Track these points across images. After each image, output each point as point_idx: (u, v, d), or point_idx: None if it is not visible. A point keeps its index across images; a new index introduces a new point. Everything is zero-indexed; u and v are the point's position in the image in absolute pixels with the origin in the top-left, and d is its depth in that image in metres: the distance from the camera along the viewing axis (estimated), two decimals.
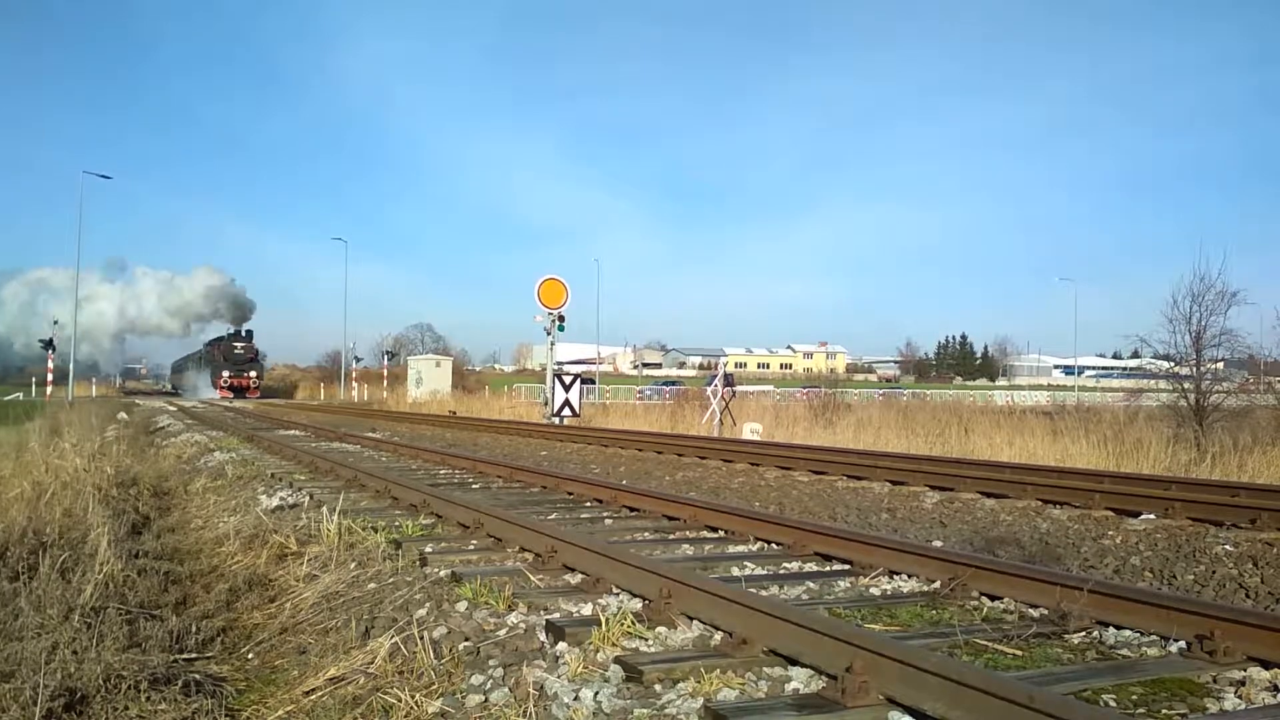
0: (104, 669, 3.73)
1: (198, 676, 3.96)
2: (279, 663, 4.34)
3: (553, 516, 6.80)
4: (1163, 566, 5.50)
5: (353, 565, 5.34)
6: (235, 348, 61.26)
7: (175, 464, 13.21)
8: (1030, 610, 3.96)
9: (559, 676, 3.15)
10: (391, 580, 4.84)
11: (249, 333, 64.62)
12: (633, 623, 3.60)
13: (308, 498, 7.90)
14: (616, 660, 3.24)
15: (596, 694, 2.96)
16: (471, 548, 5.53)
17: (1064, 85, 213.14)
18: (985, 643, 3.47)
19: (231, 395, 55.97)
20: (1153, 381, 18.69)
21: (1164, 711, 2.82)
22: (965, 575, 4.31)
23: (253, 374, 60.96)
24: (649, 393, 49.65)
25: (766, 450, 12.04)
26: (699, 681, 3.01)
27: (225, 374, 59.00)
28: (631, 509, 7.10)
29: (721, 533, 6.05)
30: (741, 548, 5.64)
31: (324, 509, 6.42)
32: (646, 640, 3.49)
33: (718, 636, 3.50)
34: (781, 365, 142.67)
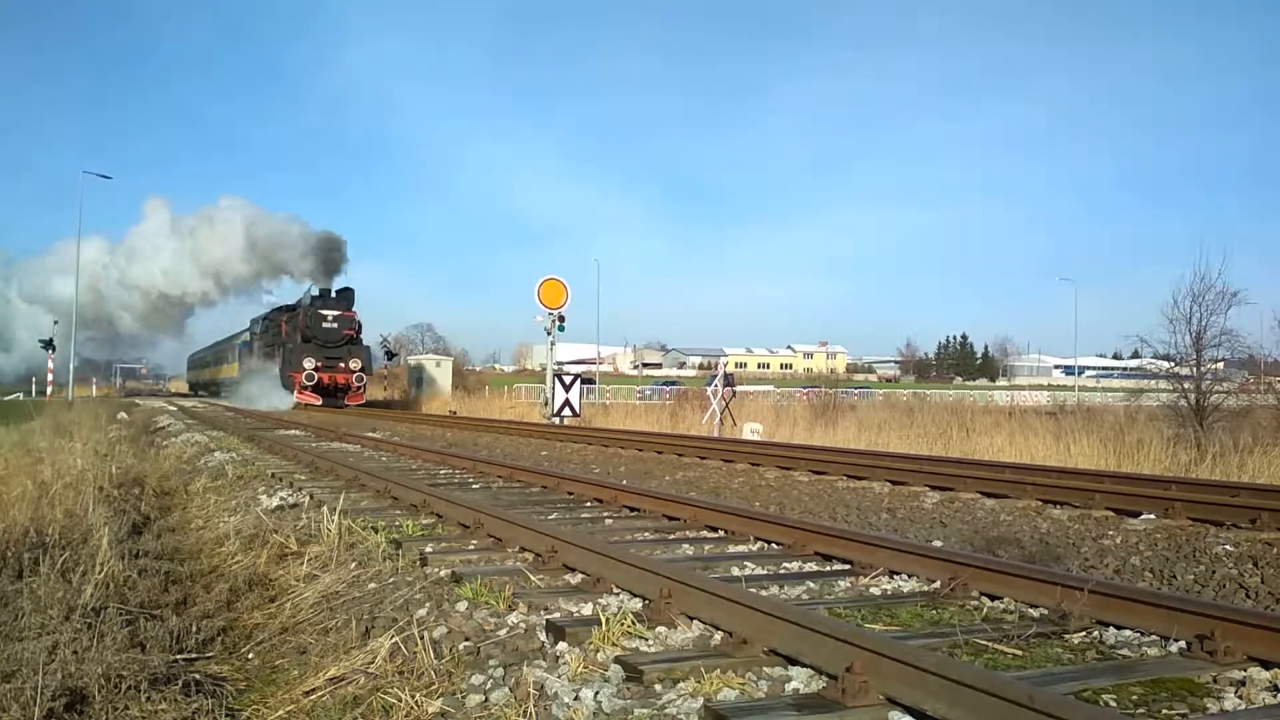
0: (104, 669, 3.74)
1: (198, 676, 3.97)
2: (279, 662, 4.34)
3: (553, 516, 6.80)
4: (1163, 566, 5.50)
5: (353, 565, 5.34)
6: (325, 318, 35.57)
7: (176, 464, 13.21)
8: (1030, 610, 3.96)
9: (559, 676, 3.15)
10: (392, 580, 4.84)
11: (346, 293, 37.82)
12: (633, 623, 3.60)
13: (308, 497, 7.90)
14: (617, 660, 3.24)
15: (597, 694, 2.96)
16: (472, 548, 5.53)
17: (1064, 85, 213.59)
18: (985, 643, 3.47)
19: (319, 400, 34.43)
20: (1153, 381, 18.68)
21: (1164, 711, 2.82)
22: (965, 575, 4.31)
23: (355, 364, 35.67)
24: (649, 393, 49.64)
25: (766, 450, 12.04)
26: (699, 681, 3.01)
27: (310, 364, 34.41)
28: (632, 509, 7.10)
29: (722, 533, 6.05)
30: (742, 548, 5.63)
31: (324, 509, 6.42)
32: (647, 640, 3.49)
33: (718, 636, 3.50)
34: (781, 365, 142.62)
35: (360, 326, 37.58)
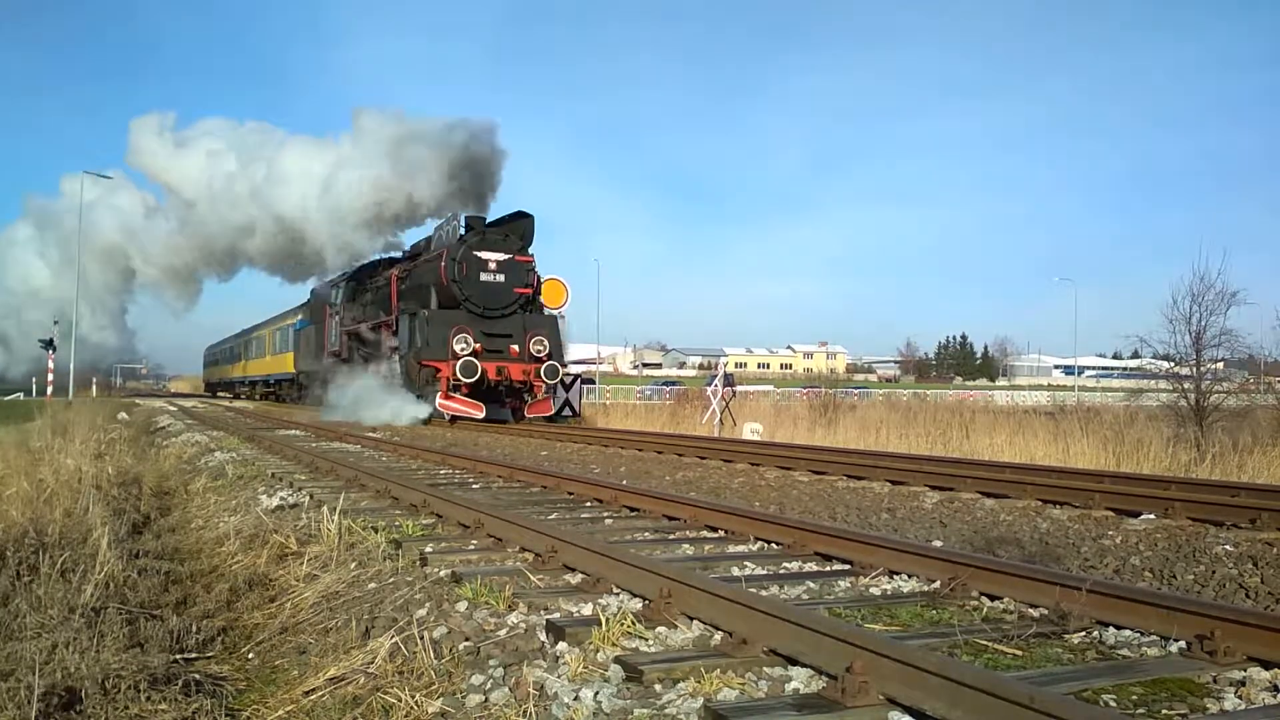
0: (104, 669, 3.74)
1: (198, 676, 3.97)
2: (279, 662, 4.34)
3: (553, 516, 6.80)
4: (1163, 566, 5.49)
5: (353, 565, 5.34)
6: (484, 266, 20.44)
7: (176, 464, 13.21)
8: (1030, 610, 3.95)
9: (559, 676, 3.15)
10: (392, 580, 4.84)
11: (518, 222, 21.74)
12: (633, 622, 3.60)
13: (308, 497, 7.90)
14: (616, 660, 3.24)
15: (596, 694, 2.96)
16: (472, 548, 5.53)
17: (1065, 84, 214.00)
18: (985, 643, 3.47)
19: (481, 410, 19.71)
20: (1153, 381, 18.68)
21: (1164, 711, 2.82)
22: (965, 575, 4.31)
23: (539, 347, 20.51)
24: (649, 393, 49.60)
25: (766, 450, 12.03)
26: (699, 681, 3.01)
27: (463, 346, 19.38)
28: (632, 509, 7.10)
29: (721, 532, 6.05)
30: (741, 547, 5.63)
31: (324, 509, 6.42)
32: (646, 640, 3.49)
33: (718, 636, 3.50)
34: (781, 365, 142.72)
35: (540, 282, 21.74)
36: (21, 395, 45.17)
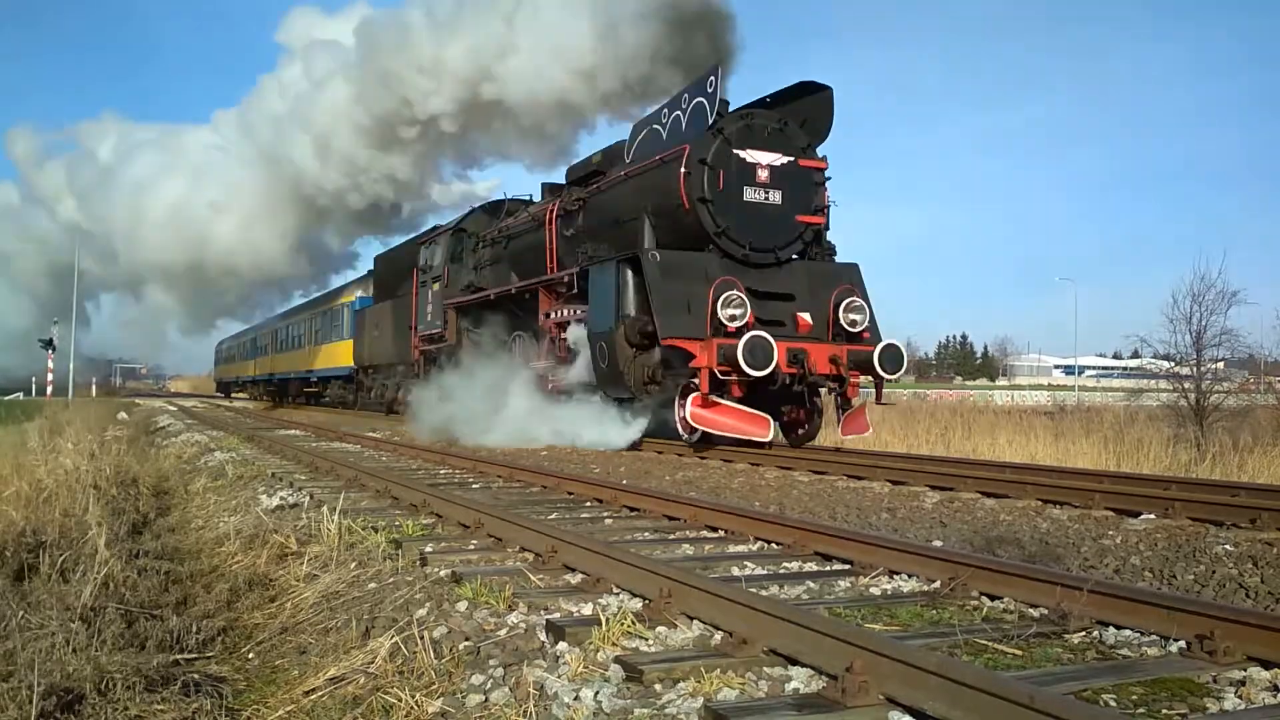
0: (103, 669, 3.73)
1: (197, 676, 3.96)
2: (279, 662, 4.34)
3: (553, 516, 6.80)
4: (1163, 566, 5.49)
5: (353, 565, 5.34)
6: (751, 172, 11.07)
7: (175, 464, 13.21)
8: (1030, 610, 3.95)
9: (559, 676, 3.14)
10: (392, 580, 4.84)
11: (806, 99, 11.65)
12: (633, 622, 3.60)
13: (308, 497, 7.89)
14: (617, 660, 3.23)
15: (596, 694, 2.96)
16: (472, 547, 5.53)
17: (1064, 85, 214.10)
18: (985, 642, 3.47)
19: (764, 430, 10.58)
20: (1153, 381, 18.69)
21: (1164, 711, 2.82)
22: (965, 575, 4.30)
23: (857, 316, 11.34)
24: None
25: (766, 450, 12.01)
26: (699, 681, 3.00)
27: (734, 309, 10.35)
28: (632, 509, 7.10)
29: (722, 532, 6.05)
30: (741, 547, 5.63)
31: (324, 509, 6.42)
32: (647, 640, 3.49)
33: (718, 636, 3.50)
34: None
35: (830, 207, 12.09)
36: (21, 395, 45.21)
